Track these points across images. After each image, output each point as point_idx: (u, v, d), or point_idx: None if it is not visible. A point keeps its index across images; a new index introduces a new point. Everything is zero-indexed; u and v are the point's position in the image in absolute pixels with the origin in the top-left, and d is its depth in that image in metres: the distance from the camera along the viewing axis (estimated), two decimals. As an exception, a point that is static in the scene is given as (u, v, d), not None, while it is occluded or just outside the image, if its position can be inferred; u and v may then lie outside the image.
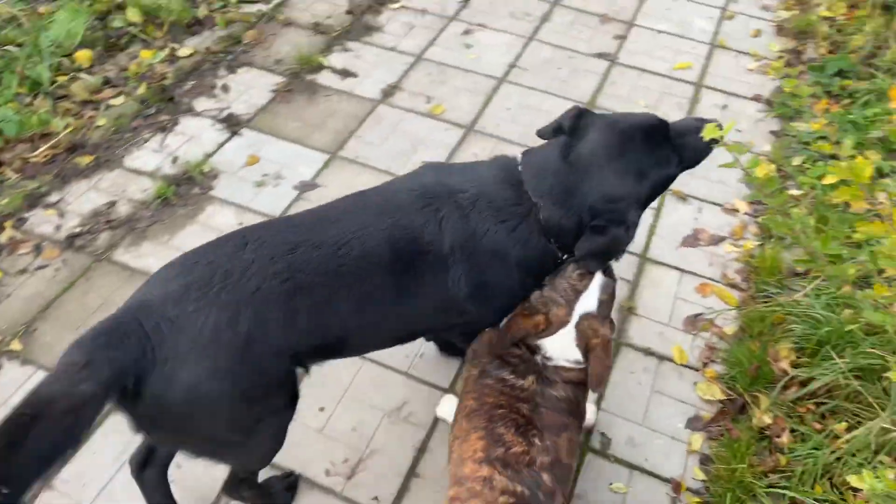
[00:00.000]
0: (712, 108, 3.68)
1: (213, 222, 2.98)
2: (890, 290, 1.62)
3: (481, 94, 3.69)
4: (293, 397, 1.76)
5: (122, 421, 1.57)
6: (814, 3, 4.31)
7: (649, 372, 2.54)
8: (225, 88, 3.65)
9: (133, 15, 3.82)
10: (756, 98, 3.77)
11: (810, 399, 2.36)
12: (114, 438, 2.23)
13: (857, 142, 3.23)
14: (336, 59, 3.87)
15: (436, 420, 2.37)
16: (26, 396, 1.39)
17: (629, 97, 3.72)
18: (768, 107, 3.71)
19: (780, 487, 2.16)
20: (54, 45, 3.58)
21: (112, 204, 3.05)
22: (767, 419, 2.34)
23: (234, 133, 3.40)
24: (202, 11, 4.04)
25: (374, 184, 1.95)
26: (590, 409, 2.26)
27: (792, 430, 2.31)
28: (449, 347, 2.52)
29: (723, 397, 2.46)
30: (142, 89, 3.53)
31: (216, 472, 2.06)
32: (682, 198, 3.20)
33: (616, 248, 1.81)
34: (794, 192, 3.16)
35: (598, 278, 1.81)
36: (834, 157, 3.13)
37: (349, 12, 4.21)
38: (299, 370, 1.73)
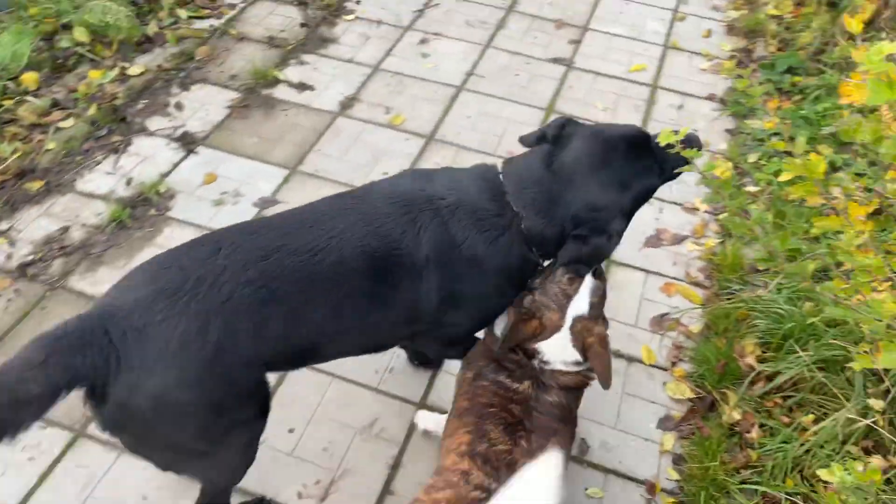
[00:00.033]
0: (668, 109, 3.73)
1: (172, 244, 2.81)
2: (848, 284, 1.64)
3: (440, 102, 3.69)
4: (264, 408, 1.74)
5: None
6: (761, 2, 4.41)
7: (619, 374, 2.55)
8: (178, 106, 3.58)
9: (80, 34, 3.72)
10: (710, 97, 3.83)
11: (777, 393, 2.39)
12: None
13: (809, 137, 3.29)
14: (292, 72, 3.83)
15: (409, 435, 2.34)
16: None
17: (587, 100, 3.75)
18: (722, 105, 3.78)
19: (752, 483, 2.18)
20: (-1, 68, 3.47)
21: (65, 230, 2.96)
22: (737, 415, 2.36)
23: (189, 151, 3.34)
24: (152, 28, 3.96)
25: (335, 198, 1.92)
26: None
27: (761, 425, 2.34)
28: (420, 358, 2.50)
29: (692, 396, 2.49)
30: (92, 110, 3.44)
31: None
32: (644, 199, 3.23)
33: (598, 257, 1.81)
34: (752, 188, 3.22)
35: (588, 281, 1.82)
36: (788, 153, 3.19)
37: (303, 25, 4.17)
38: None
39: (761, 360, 2.47)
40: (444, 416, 1.96)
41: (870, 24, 3.71)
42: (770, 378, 2.40)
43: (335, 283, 1.67)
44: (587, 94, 3.79)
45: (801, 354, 2.32)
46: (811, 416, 2.25)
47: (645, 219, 3.13)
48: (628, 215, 1.83)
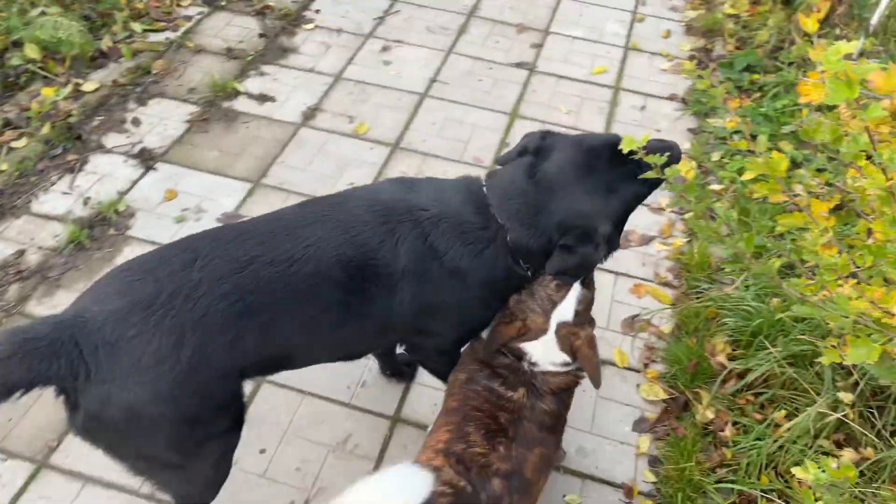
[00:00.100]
0: (631, 110, 3.75)
1: (133, 264, 2.82)
2: (813, 280, 1.65)
3: (404, 110, 3.66)
4: (238, 419, 1.73)
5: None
6: (718, 1, 4.47)
7: (593, 378, 2.54)
8: (136, 122, 3.49)
9: (31, 51, 3.61)
10: (672, 97, 3.86)
11: (749, 390, 2.41)
12: None
13: (770, 134, 3.34)
14: (252, 83, 3.77)
15: (383, 450, 2.31)
16: None
17: (550, 104, 3.75)
18: (684, 105, 3.81)
19: (727, 482, 2.19)
20: (-54, 88, 3.36)
21: (20, 253, 2.86)
22: (710, 414, 2.37)
23: (148, 168, 3.26)
24: (106, 43, 3.86)
25: (300, 211, 1.88)
26: None
27: (734, 423, 2.35)
28: (392, 369, 2.47)
29: (666, 396, 2.49)
30: (46, 129, 3.34)
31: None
32: (610, 200, 3.23)
33: (585, 267, 1.80)
34: (716, 186, 3.24)
35: (576, 289, 1.81)
36: (751, 152, 3.22)
37: (262, 35, 4.11)
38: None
39: (732, 358, 2.48)
40: None
41: (824, 20, 3.77)
42: (741, 375, 2.42)
43: (311, 294, 1.66)
44: (551, 98, 3.80)
45: (770, 350, 2.34)
46: (783, 412, 2.26)
47: (612, 220, 3.14)
48: (617, 223, 1.81)
